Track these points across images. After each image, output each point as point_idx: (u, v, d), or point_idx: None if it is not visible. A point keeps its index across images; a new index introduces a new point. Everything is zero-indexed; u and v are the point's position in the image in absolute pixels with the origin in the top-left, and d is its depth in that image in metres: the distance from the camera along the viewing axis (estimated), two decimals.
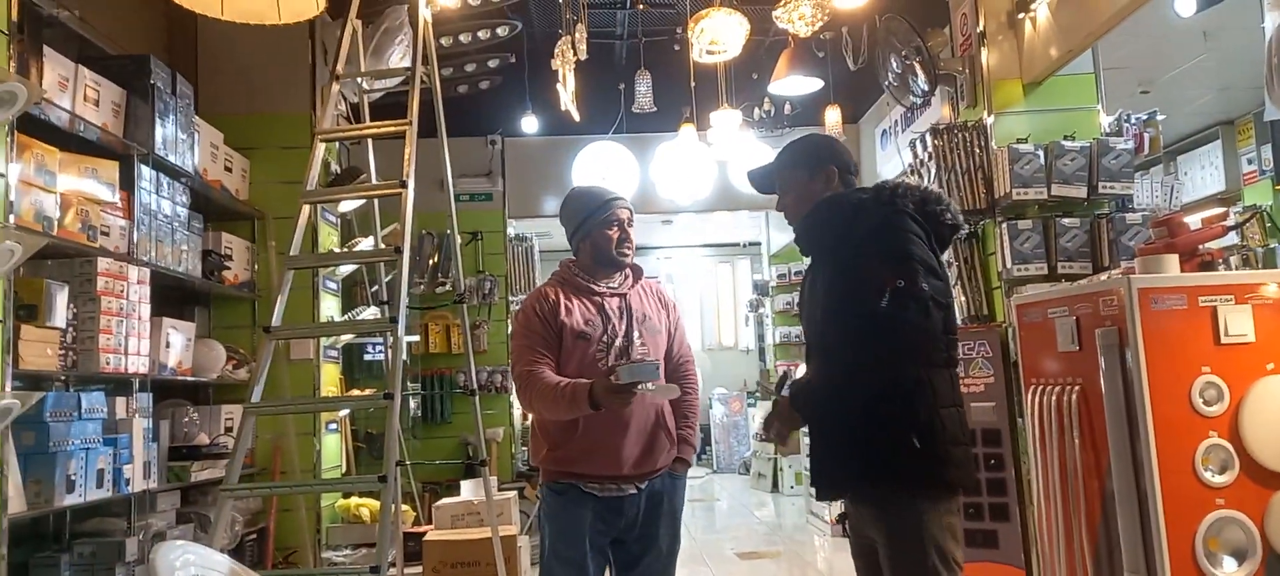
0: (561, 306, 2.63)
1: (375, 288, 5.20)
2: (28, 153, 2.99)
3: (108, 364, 3.33)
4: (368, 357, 6.13)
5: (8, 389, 2.48)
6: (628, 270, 2.76)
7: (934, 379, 2.12)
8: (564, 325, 2.60)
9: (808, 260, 2.50)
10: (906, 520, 2.11)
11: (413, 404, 6.79)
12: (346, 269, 4.86)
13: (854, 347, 2.11)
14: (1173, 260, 2.61)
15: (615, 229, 2.68)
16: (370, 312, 4.94)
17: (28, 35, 3.25)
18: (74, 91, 3.36)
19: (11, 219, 2.68)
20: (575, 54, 4.83)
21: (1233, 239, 4.93)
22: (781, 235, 9.81)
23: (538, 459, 2.69)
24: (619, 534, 2.61)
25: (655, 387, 2.47)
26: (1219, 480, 2.46)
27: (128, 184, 3.59)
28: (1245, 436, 2.46)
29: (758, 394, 10.48)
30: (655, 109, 6.35)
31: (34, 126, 3.07)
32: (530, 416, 2.82)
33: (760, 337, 10.92)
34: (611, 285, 2.71)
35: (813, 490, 2.41)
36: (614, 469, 2.55)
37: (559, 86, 5.19)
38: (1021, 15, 4.62)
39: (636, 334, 2.64)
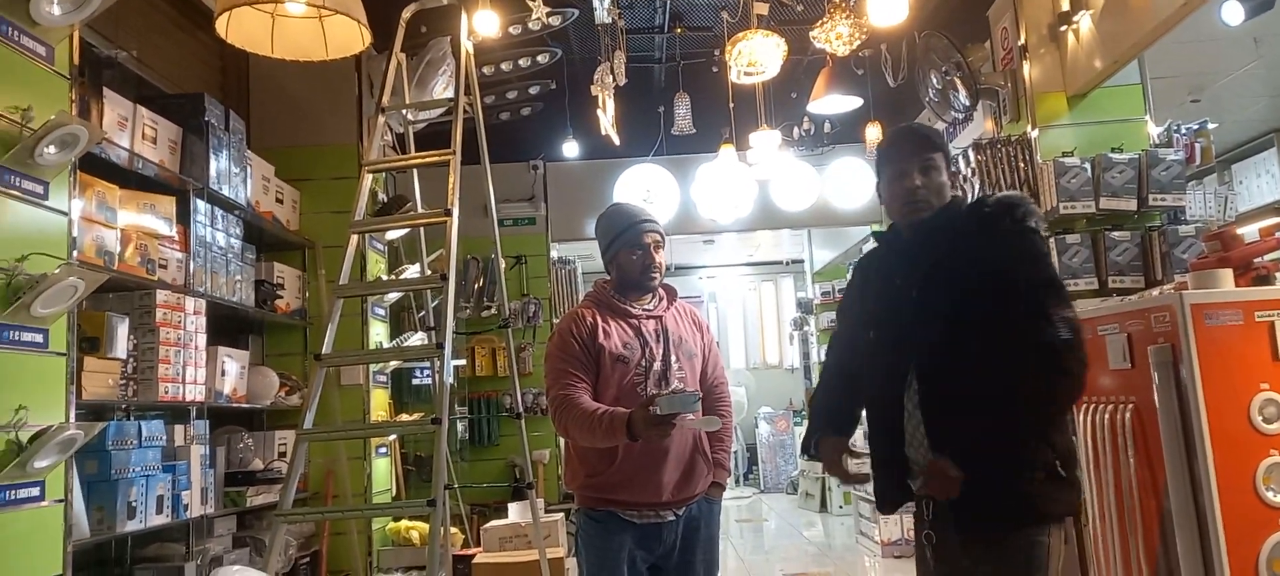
0: (599, 329, 2.58)
1: (422, 313, 5.29)
2: (90, 190, 3.11)
3: (166, 392, 3.43)
4: (416, 382, 6.22)
5: (71, 419, 2.57)
6: (661, 291, 2.72)
7: None
8: (603, 348, 2.55)
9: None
10: (1034, 553, 1.98)
11: (460, 427, 6.86)
12: (394, 295, 4.94)
13: (1033, 374, 1.94)
14: (1227, 275, 2.56)
15: (640, 253, 2.63)
16: (417, 338, 5.01)
17: (88, 77, 3.39)
18: (133, 130, 3.48)
19: (75, 255, 2.78)
20: (614, 79, 4.88)
21: None
22: (825, 252, 9.75)
23: (574, 484, 2.65)
24: (657, 560, 2.58)
25: (695, 420, 2.42)
26: None
27: (184, 218, 3.70)
28: None
29: (804, 413, 10.39)
30: (695, 131, 6.38)
31: (95, 165, 3.19)
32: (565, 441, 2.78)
33: (805, 355, 10.84)
34: (647, 307, 2.66)
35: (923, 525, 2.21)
36: (654, 496, 2.52)
37: (599, 112, 5.25)
38: (1063, 27, 4.57)
39: (674, 358, 2.60)
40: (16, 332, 2.37)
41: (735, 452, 10.97)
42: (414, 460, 6.23)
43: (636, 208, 2.76)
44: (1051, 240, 4.27)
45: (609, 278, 2.74)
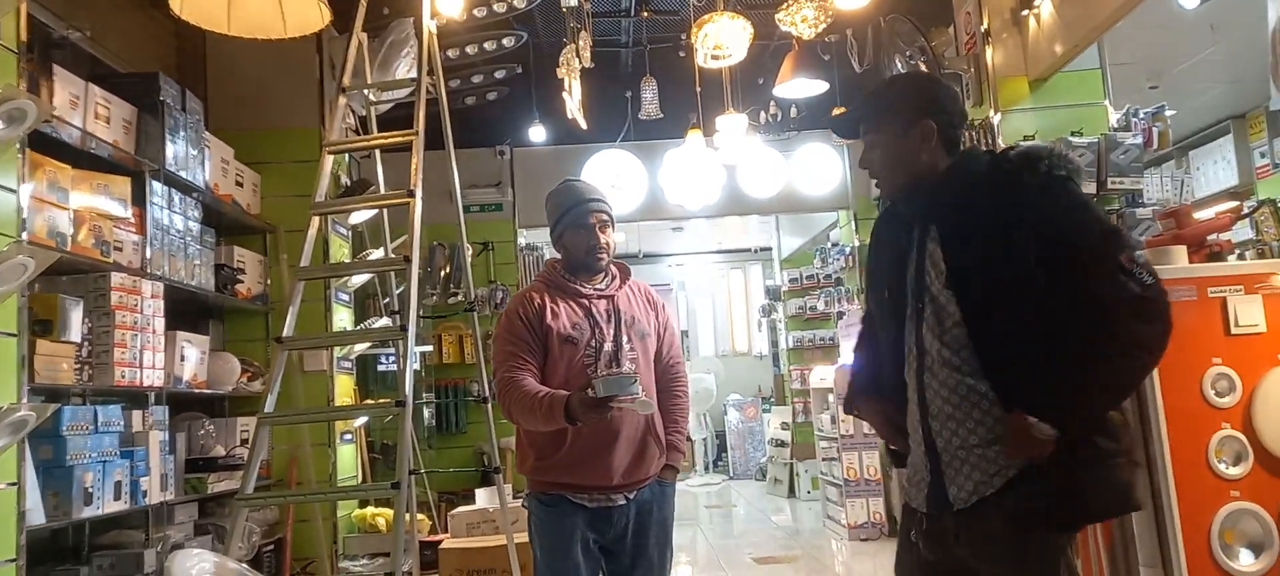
0: (547, 310, 2.53)
1: (387, 299, 5.23)
2: (41, 171, 3.03)
3: (123, 377, 3.36)
4: (382, 368, 6.16)
5: (23, 402, 2.51)
6: (613, 270, 2.66)
7: None
8: (550, 329, 2.50)
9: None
10: (1048, 551, 1.84)
11: (427, 414, 6.81)
12: (358, 281, 4.89)
13: (1113, 331, 1.75)
14: (1181, 251, 2.60)
15: (584, 232, 2.58)
16: (382, 323, 4.96)
17: (38, 55, 3.30)
18: (85, 109, 3.40)
19: (25, 236, 2.72)
20: (580, 61, 4.85)
21: (1248, 233, 4.90)
22: (793, 239, 9.80)
23: (524, 468, 2.60)
24: (608, 544, 2.54)
25: (634, 403, 2.35)
26: (1233, 472, 2.45)
27: (139, 200, 3.63)
28: (1259, 427, 2.44)
29: (772, 400, 10.46)
30: (662, 116, 6.37)
31: (46, 145, 3.12)
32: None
33: (774, 343, 10.90)
34: (598, 287, 2.61)
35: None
36: (603, 479, 2.47)
37: (565, 94, 5.22)
38: (1025, 12, 4.62)
39: (625, 338, 2.55)
40: None
41: (704, 439, 11.01)
42: (381, 449, 6.17)
43: (584, 185, 2.71)
44: None
45: (559, 257, 2.69)
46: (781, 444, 9.27)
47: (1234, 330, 2.48)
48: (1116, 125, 4.66)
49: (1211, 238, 2.66)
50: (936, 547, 1.97)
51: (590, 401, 2.24)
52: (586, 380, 2.29)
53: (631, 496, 2.52)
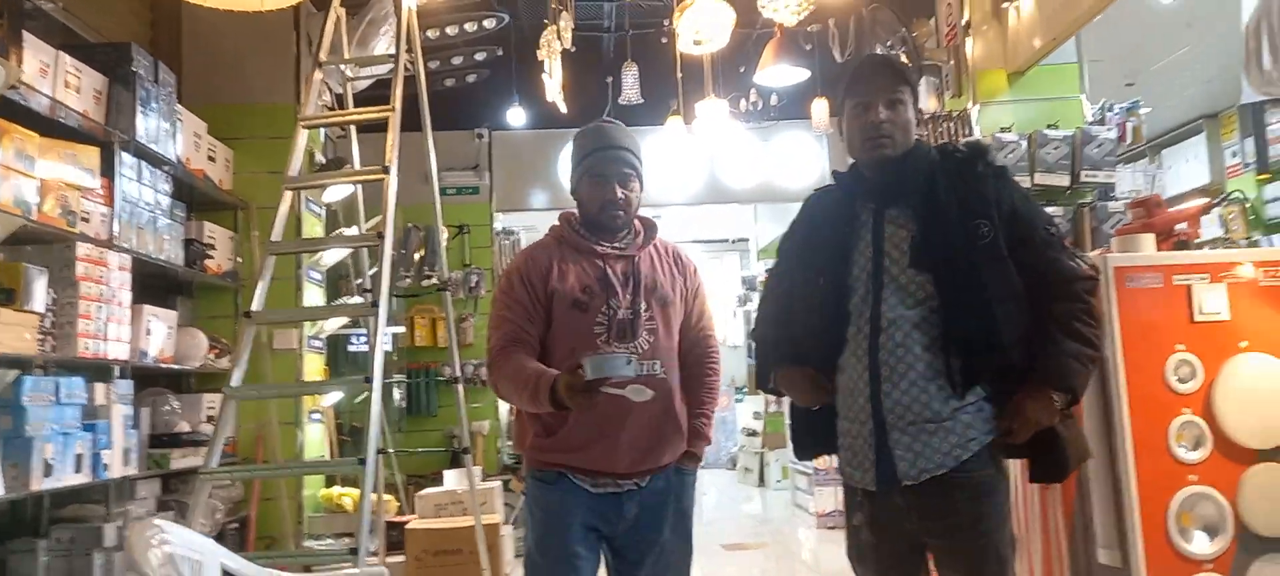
0: (554, 269, 2.21)
1: (360, 280, 5.19)
2: (7, 138, 2.98)
3: (87, 349, 3.31)
4: (352, 348, 6.12)
5: None
6: (636, 227, 2.31)
7: None
8: (555, 292, 2.19)
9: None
10: (1002, 518, 1.95)
11: (397, 395, 6.78)
12: (330, 260, 4.84)
13: (1069, 302, 1.91)
14: (1149, 239, 2.63)
15: (600, 184, 2.24)
16: (354, 301, 4.93)
17: (8, 23, 3.24)
18: (55, 78, 3.34)
19: None
20: (561, 42, 4.83)
21: (1217, 230, 4.96)
22: (770, 228, 9.83)
23: (523, 445, 2.31)
24: (615, 536, 2.23)
25: (624, 390, 2.05)
26: (1192, 456, 2.48)
27: (108, 171, 3.57)
28: (1218, 413, 2.48)
29: (745, 390, 10.49)
30: (642, 100, 6.36)
31: (13, 111, 3.06)
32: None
33: (749, 334, 10.93)
34: (617, 245, 2.26)
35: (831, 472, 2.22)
36: (609, 464, 2.17)
37: (545, 76, 5.20)
38: (1006, 4, 4.65)
39: (644, 305, 2.21)
40: None
41: None
42: (350, 431, 6.13)
43: (616, 129, 2.34)
44: None
45: (575, 210, 2.36)
46: (753, 433, 9.32)
47: (1198, 317, 2.51)
48: (1092, 119, 4.71)
49: (1179, 227, 2.69)
50: (882, 528, 2.02)
51: (578, 384, 1.94)
52: (574, 361, 1.99)
53: (643, 483, 2.21)
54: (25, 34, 3.21)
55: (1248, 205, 5.27)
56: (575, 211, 2.33)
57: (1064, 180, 4.37)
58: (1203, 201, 4.74)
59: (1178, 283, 2.52)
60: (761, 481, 8.95)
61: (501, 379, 2.19)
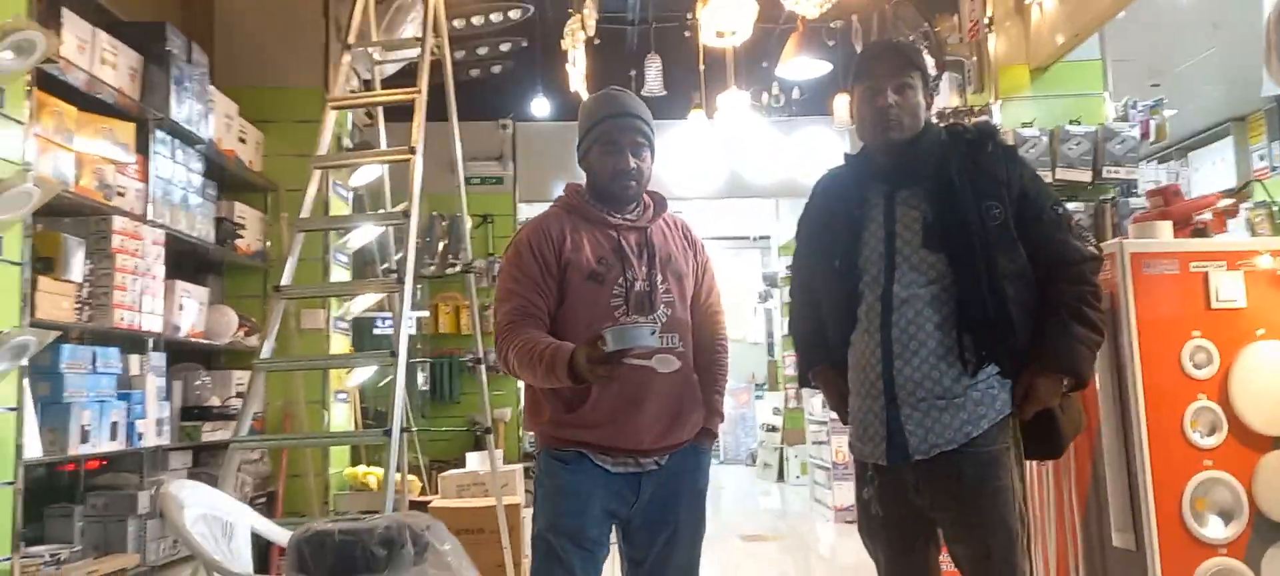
0: (567, 240, 2.13)
1: (385, 264, 5.27)
2: (46, 111, 3.07)
3: (122, 320, 3.40)
4: (377, 331, 6.19)
5: (25, 327, 2.55)
6: (646, 201, 2.25)
7: None
8: (570, 262, 2.11)
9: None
10: (1012, 493, 1.97)
11: (420, 379, 6.86)
12: (357, 242, 4.92)
13: (1081, 272, 1.97)
14: (1166, 227, 2.64)
15: (613, 153, 2.14)
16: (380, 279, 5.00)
17: (47, 2, 3.33)
18: (92, 54, 3.43)
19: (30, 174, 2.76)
20: (585, 31, 4.88)
21: (1244, 233, 4.93)
22: (791, 225, 9.83)
23: (537, 423, 2.21)
24: (628, 516, 2.16)
25: (652, 359, 2.02)
26: (1207, 442, 2.50)
27: (143, 148, 3.66)
28: (1234, 400, 2.49)
29: (764, 385, 10.51)
30: (665, 92, 6.41)
31: (52, 86, 3.15)
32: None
33: (769, 332, 10.95)
34: (628, 216, 2.20)
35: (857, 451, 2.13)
36: (633, 441, 2.09)
37: (569, 66, 5.25)
38: (1028, 0, 4.65)
39: (660, 277, 2.16)
40: None
41: None
42: (374, 415, 6.22)
43: (626, 97, 2.24)
44: None
45: (581, 183, 2.28)
46: (773, 429, 9.34)
47: (1215, 304, 2.52)
48: (1115, 116, 4.71)
49: (1200, 217, 2.71)
50: (891, 503, 2.07)
51: (599, 356, 1.86)
52: (595, 332, 1.91)
53: (662, 462, 2.15)
54: (63, 11, 3.31)
55: (1275, 210, 5.23)
56: (581, 182, 2.26)
57: (1086, 176, 4.37)
58: (1230, 205, 4.73)
59: (1195, 270, 2.54)
60: (780, 476, 8.97)
61: (512, 352, 2.06)
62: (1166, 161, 7.95)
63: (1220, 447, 2.49)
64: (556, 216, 2.21)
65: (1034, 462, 2.91)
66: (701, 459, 2.26)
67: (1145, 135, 4.83)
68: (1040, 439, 2.02)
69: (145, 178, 3.66)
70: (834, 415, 6.87)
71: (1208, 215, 2.71)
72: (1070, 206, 4.29)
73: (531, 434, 2.37)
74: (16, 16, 2.48)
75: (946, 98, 5.29)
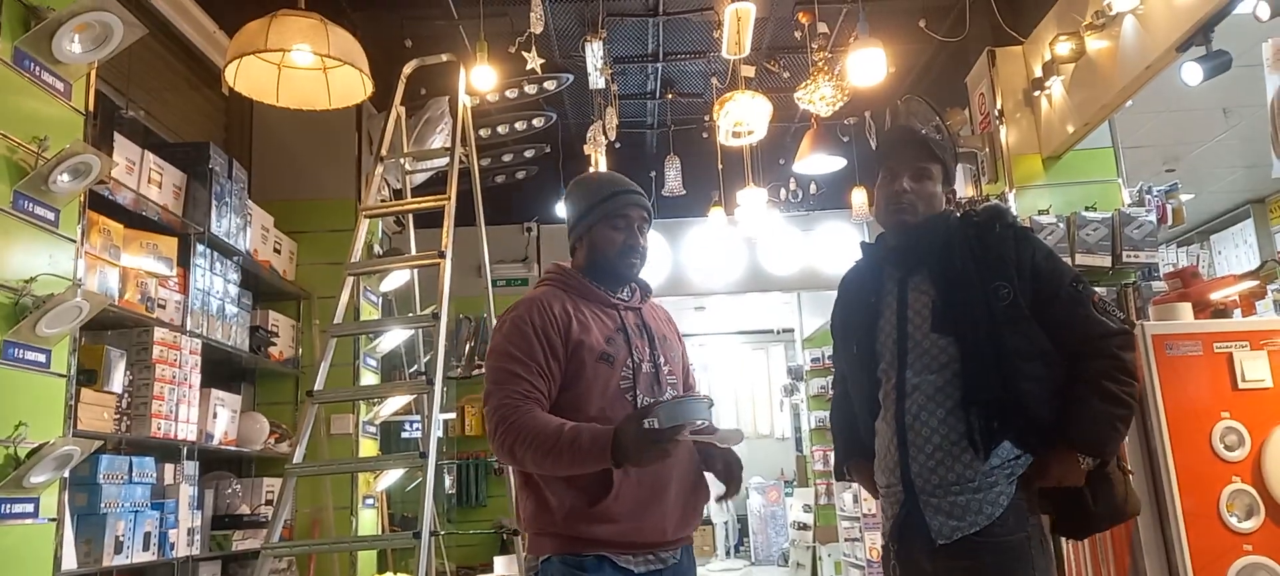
0: (573, 321, 1.98)
1: (414, 367, 5.35)
2: (95, 228, 3.21)
3: (159, 429, 3.47)
4: (405, 435, 6.24)
5: (69, 437, 2.62)
6: (634, 286, 2.16)
7: None
8: (581, 343, 1.95)
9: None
10: (1031, 560, 1.94)
11: (447, 482, 6.85)
12: (387, 346, 5.02)
13: (1105, 359, 1.92)
14: (1186, 308, 2.66)
15: (623, 229, 2.06)
16: (410, 379, 5.07)
17: (100, 123, 3.52)
18: (140, 174, 3.60)
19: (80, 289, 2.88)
20: (606, 136, 5.05)
21: (1272, 313, 4.91)
22: (815, 319, 9.86)
23: (542, 523, 1.93)
24: None
25: (716, 435, 1.87)
26: (1245, 526, 2.46)
27: (184, 261, 3.80)
28: (1269, 481, 2.46)
29: (794, 482, 10.36)
30: (685, 192, 6.55)
31: (101, 205, 3.30)
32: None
33: (796, 427, 10.85)
34: (622, 297, 2.11)
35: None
36: (658, 534, 1.92)
37: (591, 171, 5.41)
38: (1037, 93, 4.77)
39: (661, 358, 2.06)
40: (21, 351, 2.45)
41: (725, 523, 10.87)
42: (401, 520, 6.21)
43: (621, 178, 2.16)
44: None
45: (570, 262, 2.16)
46: (804, 527, 9.16)
47: (1241, 384, 2.52)
48: (1131, 201, 4.76)
49: (1215, 296, 2.72)
50: None
51: (650, 436, 1.71)
52: (641, 408, 1.79)
53: (676, 557, 1.99)
54: (114, 134, 3.49)
55: None
56: (568, 265, 2.14)
57: (1106, 260, 4.41)
58: (1256, 286, 4.72)
59: (1218, 350, 2.55)
60: None
61: (520, 441, 1.84)
62: (1187, 244, 7.97)
63: (1258, 531, 2.46)
64: (552, 294, 2.04)
65: (1070, 548, 2.87)
66: (691, 554, 2.10)
67: (1162, 219, 4.87)
68: (1069, 516, 1.99)
69: (185, 290, 3.78)
70: (868, 511, 6.75)
71: (1233, 295, 2.72)
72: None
73: (524, 538, 2.07)
74: (75, 142, 2.63)
75: (962, 188, 5.39)
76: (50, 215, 2.60)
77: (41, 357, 2.54)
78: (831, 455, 7.97)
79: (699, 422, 1.76)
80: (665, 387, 2.03)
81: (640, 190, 2.13)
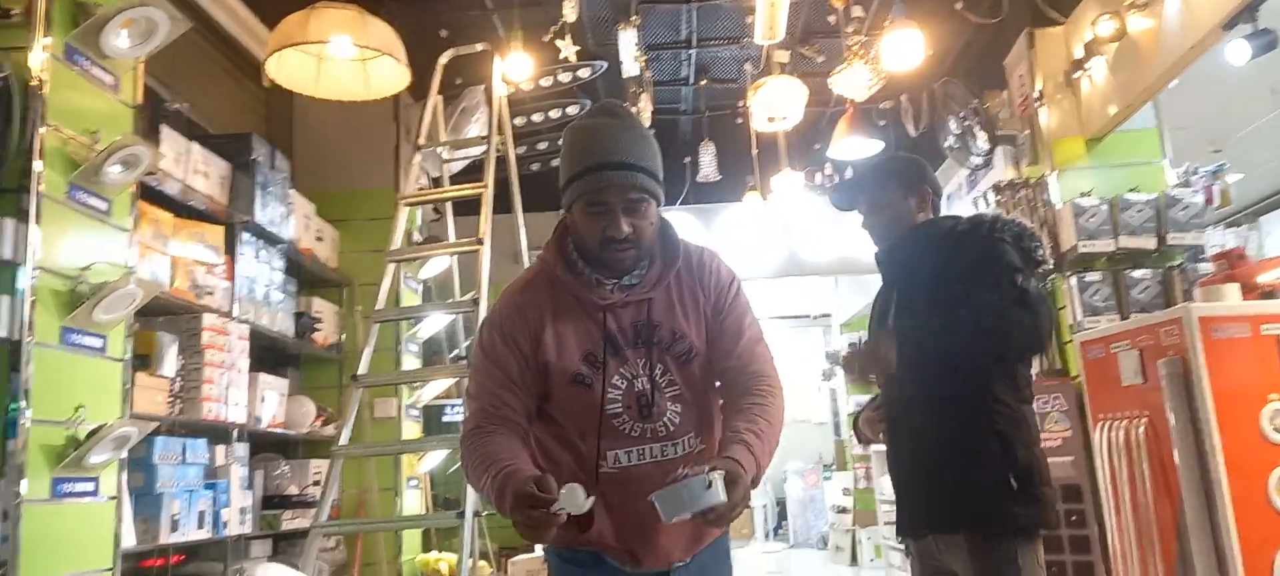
0: (547, 330, 1.68)
1: (454, 352, 5.43)
2: (146, 218, 3.31)
3: (210, 412, 3.57)
4: (446, 419, 6.33)
5: (127, 419, 2.71)
6: (655, 258, 1.74)
7: (1028, 416, 2.10)
8: (548, 365, 1.67)
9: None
10: (1003, 560, 2.05)
11: None
12: (428, 331, 5.09)
13: (963, 352, 2.05)
14: (1234, 289, 2.63)
15: (600, 216, 1.63)
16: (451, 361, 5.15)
17: (149, 117, 3.62)
18: (186, 165, 3.69)
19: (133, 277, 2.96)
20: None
21: None
22: (853, 301, 9.81)
23: None
24: None
25: (719, 504, 1.43)
26: None
27: (230, 249, 3.89)
28: None
29: (833, 466, 10.34)
30: (719, 177, 6.55)
31: (151, 196, 3.40)
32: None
33: (834, 409, 10.82)
34: (626, 284, 1.72)
35: (893, 530, 2.40)
36: (663, 561, 1.73)
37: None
38: (1077, 74, 4.69)
39: (659, 368, 1.70)
40: (78, 337, 2.54)
41: (764, 507, 10.87)
42: (444, 502, 6.31)
43: (616, 133, 1.65)
44: (1072, 278, 4.33)
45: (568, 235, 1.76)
46: (843, 510, 9.14)
47: None
48: (1175, 183, 4.67)
49: (1263, 277, 2.68)
50: (925, 561, 2.22)
51: (527, 512, 1.42)
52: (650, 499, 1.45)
53: (689, 561, 1.76)
54: (161, 127, 3.58)
55: None
56: (560, 241, 1.76)
57: (1151, 243, 4.34)
58: None
59: (1266, 332, 2.51)
60: (854, 560, 8.73)
61: (468, 469, 1.64)
62: (1236, 226, 7.79)
63: None
64: (536, 290, 1.73)
65: (1116, 535, 2.85)
66: (723, 547, 1.85)
67: (1209, 201, 4.78)
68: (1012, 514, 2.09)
69: (232, 277, 3.88)
70: None
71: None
72: (1137, 274, 4.30)
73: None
74: (124, 134, 2.70)
75: (1002, 171, 5.33)
76: (103, 205, 2.68)
77: (98, 343, 2.63)
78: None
79: (706, 508, 1.43)
80: (665, 408, 1.69)
81: (626, 157, 1.61)
